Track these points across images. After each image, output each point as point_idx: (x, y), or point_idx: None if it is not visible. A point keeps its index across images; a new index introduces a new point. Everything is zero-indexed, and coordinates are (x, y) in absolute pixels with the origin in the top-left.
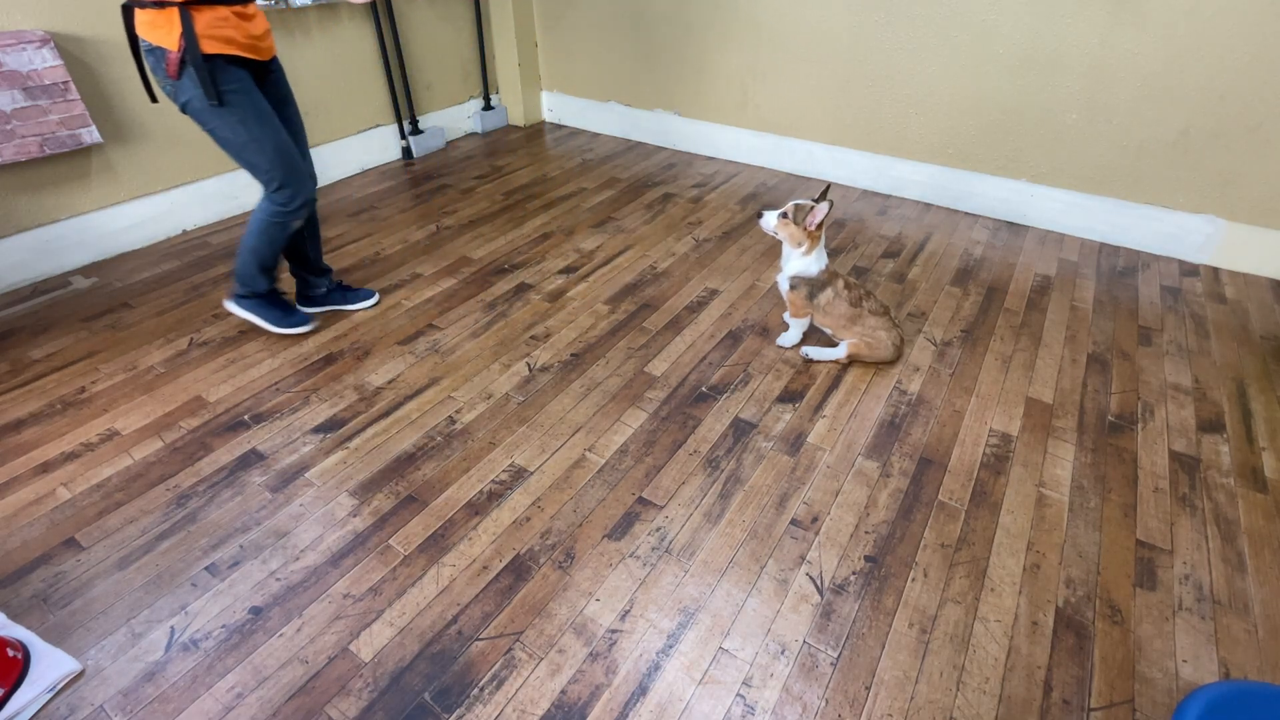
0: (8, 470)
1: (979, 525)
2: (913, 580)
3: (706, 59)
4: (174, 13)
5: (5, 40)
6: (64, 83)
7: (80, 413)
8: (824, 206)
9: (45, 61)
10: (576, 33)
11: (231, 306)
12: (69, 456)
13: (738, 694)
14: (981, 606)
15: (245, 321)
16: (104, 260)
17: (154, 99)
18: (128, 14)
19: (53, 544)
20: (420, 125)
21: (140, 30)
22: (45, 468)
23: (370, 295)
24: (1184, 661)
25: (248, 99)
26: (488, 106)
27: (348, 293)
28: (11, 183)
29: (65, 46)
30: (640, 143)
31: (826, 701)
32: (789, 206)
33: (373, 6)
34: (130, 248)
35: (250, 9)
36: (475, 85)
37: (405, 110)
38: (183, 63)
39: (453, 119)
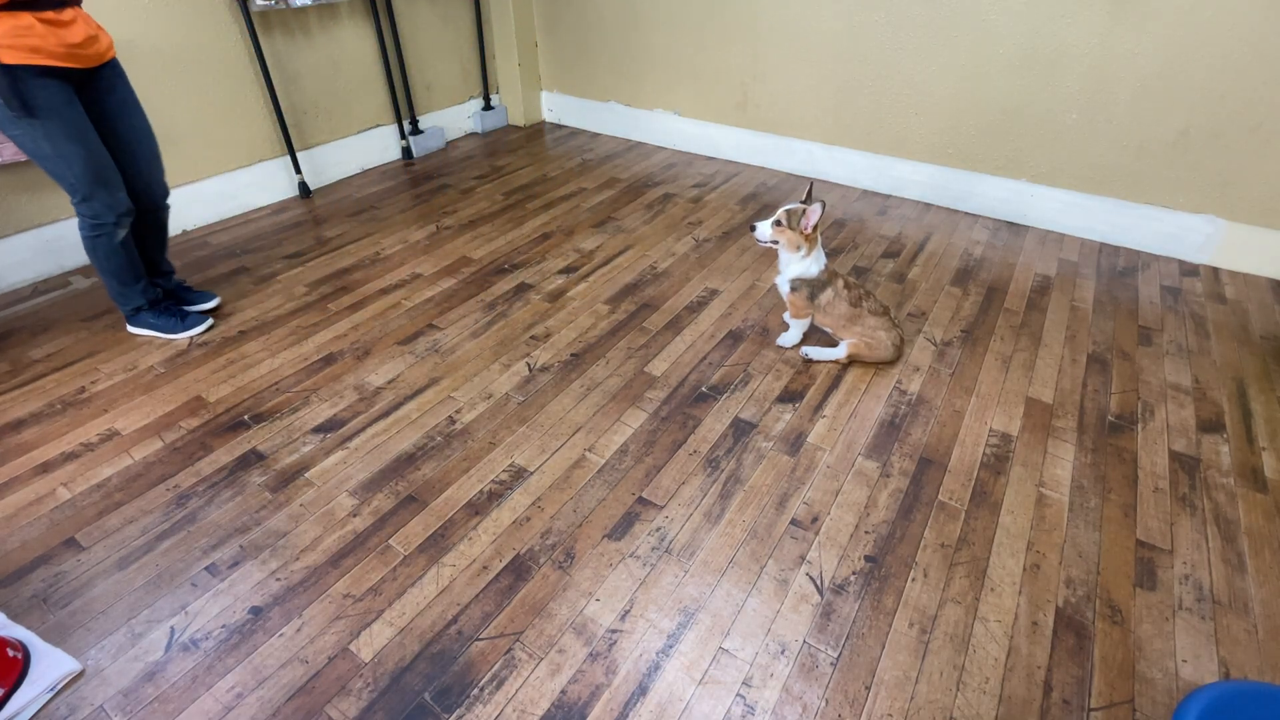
0: (8, 470)
1: (979, 525)
2: (913, 580)
3: (706, 59)
4: None
5: None
6: None
7: (80, 413)
8: (817, 207)
9: None
10: (576, 33)
11: (131, 329)
12: (69, 456)
13: (738, 694)
14: (981, 606)
15: (245, 321)
16: None
17: None
18: None
19: (53, 544)
20: (420, 125)
21: None
22: (45, 468)
23: (210, 297)
24: (1184, 661)
25: (54, 113)
26: (488, 106)
27: (186, 294)
28: (11, 183)
29: None
30: (640, 143)
31: (826, 701)
32: (781, 213)
33: (373, 6)
34: None
35: (66, 14)
36: (475, 85)
37: (405, 110)
38: None
39: (453, 119)
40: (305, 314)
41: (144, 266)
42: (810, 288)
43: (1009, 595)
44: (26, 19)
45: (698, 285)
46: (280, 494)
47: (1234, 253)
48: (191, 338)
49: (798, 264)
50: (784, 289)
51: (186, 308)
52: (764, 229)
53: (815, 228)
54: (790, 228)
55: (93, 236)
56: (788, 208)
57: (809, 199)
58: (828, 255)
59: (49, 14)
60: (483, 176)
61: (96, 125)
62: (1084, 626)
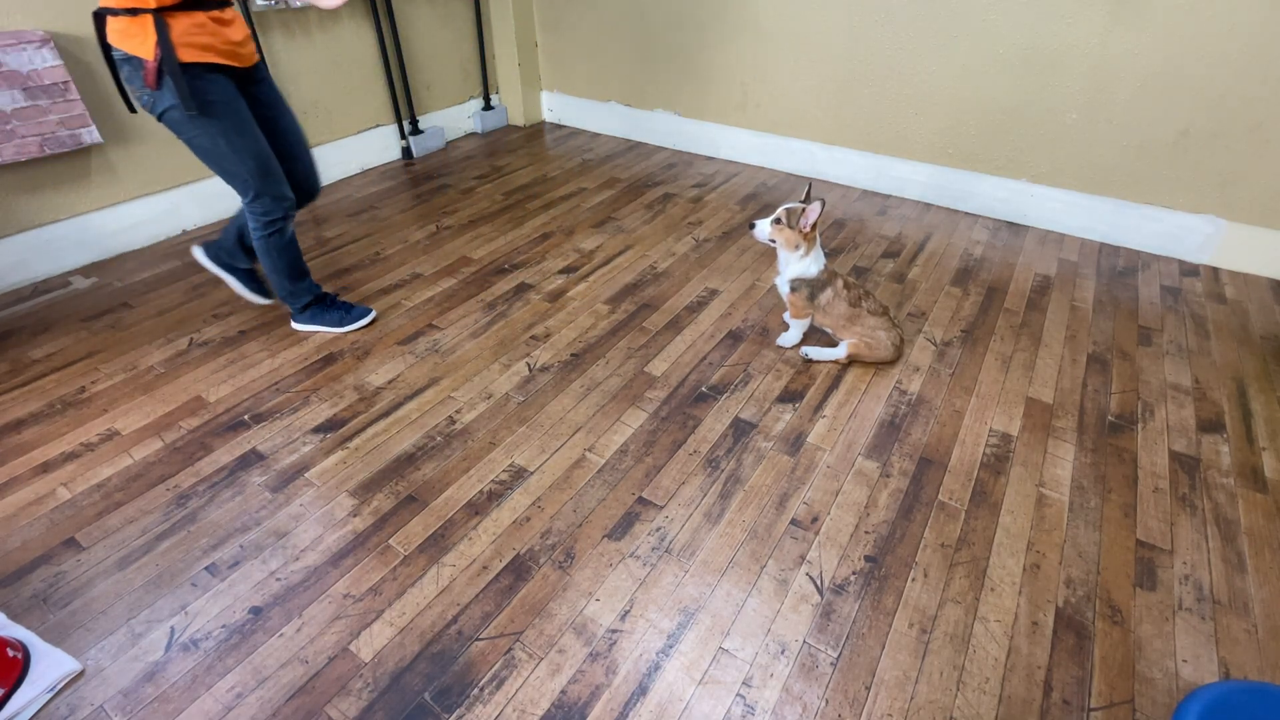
0: (8, 470)
1: (979, 525)
2: (913, 580)
3: (706, 59)
4: (148, 20)
5: (5, 40)
6: (64, 83)
7: (80, 413)
8: (816, 205)
9: (45, 61)
10: (576, 33)
11: (297, 325)
12: (69, 456)
13: (738, 694)
14: (981, 606)
15: (245, 321)
16: (104, 260)
17: (132, 109)
18: (99, 21)
19: (53, 544)
20: (420, 125)
21: (113, 39)
22: (45, 468)
23: (265, 292)
24: (1184, 661)
25: (227, 108)
26: (488, 106)
27: (259, 282)
28: (11, 183)
29: (65, 46)
30: (640, 143)
31: (826, 701)
32: (780, 211)
33: (373, 6)
34: (130, 248)
35: (228, 14)
36: (475, 85)
37: (405, 110)
38: (160, 72)
39: (453, 119)
40: None
41: (236, 243)
42: (810, 288)
43: (1009, 595)
44: (200, 17)
45: (698, 285)
46: (280, 494)
47: (1234, 253)
48: (357, 329)
49: (797, 264)
50: (784, 289)
51: (239, 286)
52: (763, 227)
53: (814, 226)
54: (789, 226)
55: (266, 235)
56: (787, 206)
57: (808, 199)
58: (827, 255)
59: (215, 12)
60: (483, 176)
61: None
62: (1084, 626)
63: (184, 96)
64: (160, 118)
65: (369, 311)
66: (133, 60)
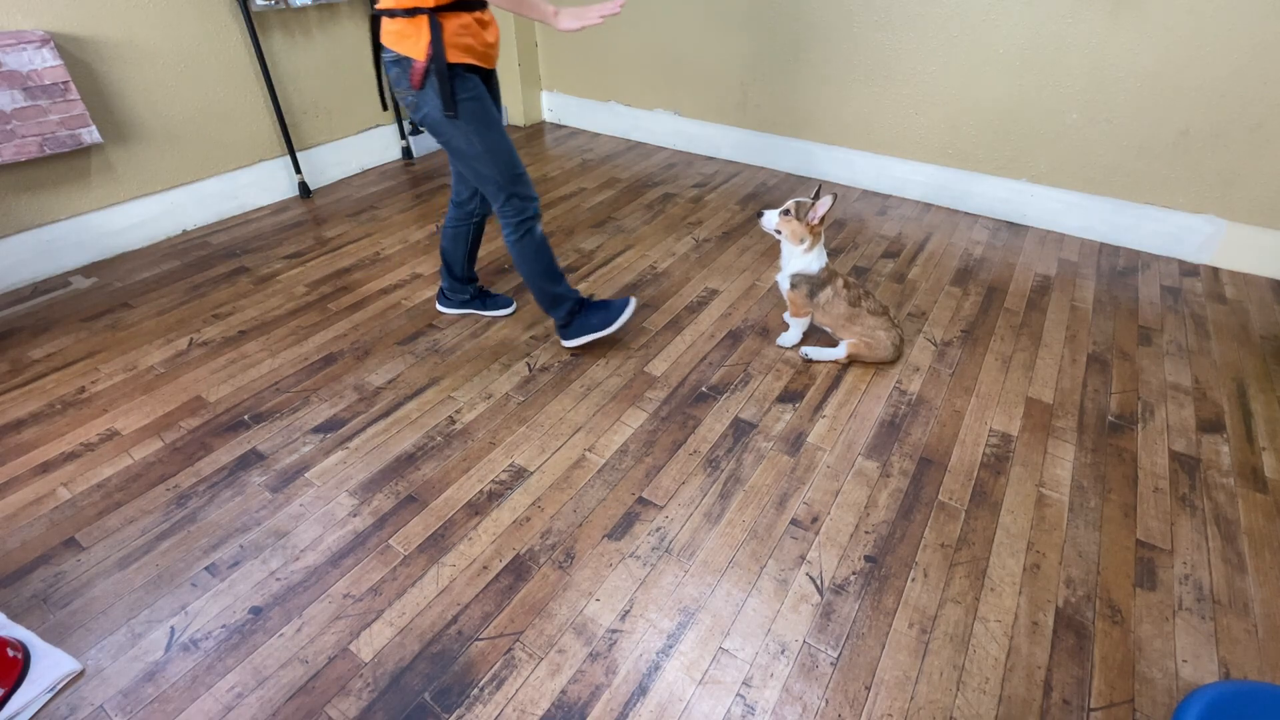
0: (8, 470)
1: (979, 525)
2: (913, 580)
3: (706, 59)
4: (423, 21)
5: (5, 40)
6: (64, 83)
7: (80, 413)
8: (827, 199)
9: (45, 61)
10: (576, 32)
11: (570, 343)
12: (69, 456)
13: (738, 694)
14: (981, 606)
15: (245, 321)
16: (104, 260)
17: (385, 106)
18: (375, 24)
19: (53, 544)
20: (420, 125)
21: (387, 40)
22: (45, 468)
23: (509, 303)
24: (1184, 661)
25: (482, 107)
26: None
27: (488, 299)
28: (11, 183)
29: (65, 46)
30: (640, 143)
31: (826, 701)
32: (790, 203)
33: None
34: (130, 248)
35: (486, 15)
36: None
37: (406, 110)
38: (427, 73)
39: None
40: (305, 314)
41: (464, 266)
42: (810, 285)
43: (1009, 595)
44: (466, 18)
45: (698, 285)
46: (280, 494)
47: (1234, 253)
48: (621, 325)
49: (799, 258)
50: (784, 286)
51: (483, 311)
52: (771, 217)
53: (822, 220)
54: (797, 218)
55: (519, 237)
56: (798, 199)
57: (817, 197)
58: (828, 255)
59: (479, 13)
60: None
61: None
62: (1084, 626)
63: (445, 97)
64: (421, 120)
65: (629, 301)
66: (402, 61)
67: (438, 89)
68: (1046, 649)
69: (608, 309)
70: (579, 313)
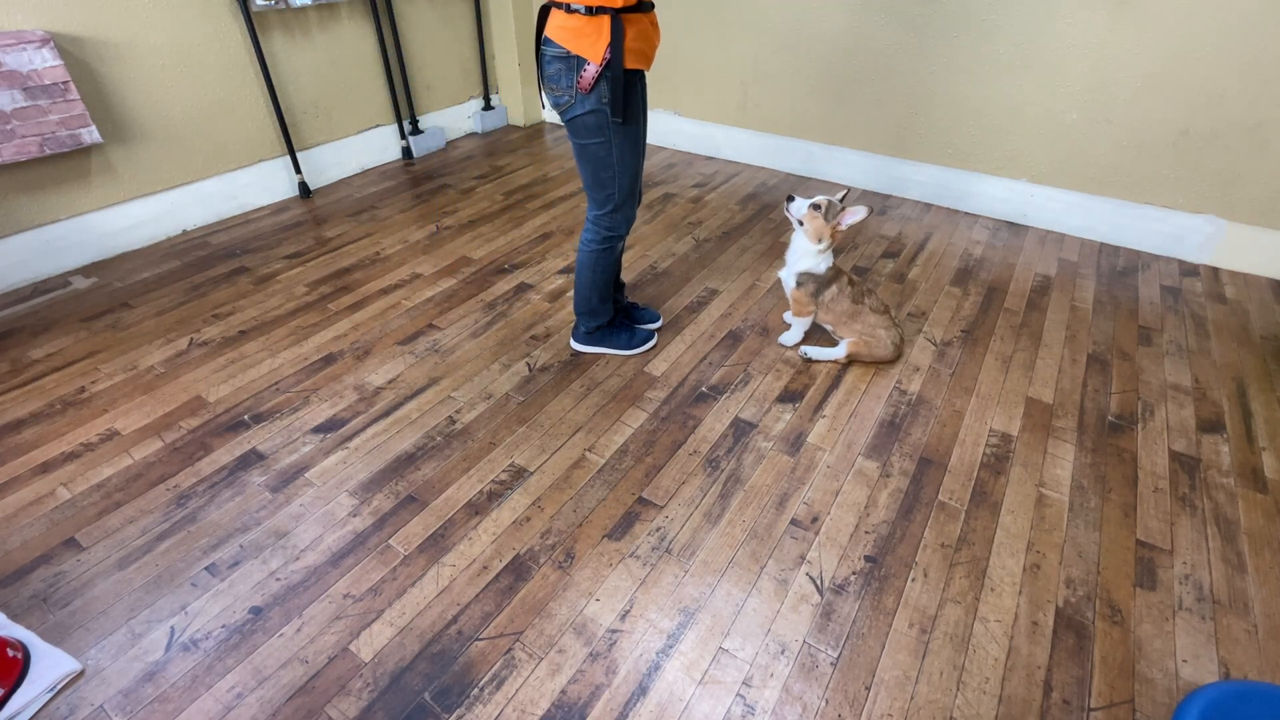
0: (8, 470)
1: (979, 525)
2: (913, 580)
3: (706, 59)
4: (605, 22)
5: (5, 40)
6: (64, 83)
7: (80, 413)
8: (862, 210)
9: (45, 61)
10: None
11: (579, 347)
12: (69, 456)
13: (738, 694)
14: (981, 606)
15: (245, 321)
16: (104, 260)
17: (543, 106)
18: (543, 14)
19: (53, 544)
20: (420, 125)
21: (559, 35)
22: (45, 468)
23: (657, 318)
24: (1184, 661)
25: (637, 120)
26: (488, 106)
27: (635, 311)
28: (11, 183)
29: (65, 46)
30: None
31: (826, 701)
32: (821, 199)
33: (373, 6)
34: (130, 248)
35: (655, 16)
36: (475, 85)
37: (405, 110)
38: (600, 77)
39: (453, 119)
40: (305, 314)
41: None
42: (815, 283)
43: (1009, 595)
44: (644, 21)
45: (698, 285)
46: (280, 494)
47: (1234, 253)
48: (640, 353)
49: (810, 257)
50: (789, 284)
51: (637, 326)
52: (800, 206)
53: (847, 228)
54: (825, 218)
55: (600, 250)
56: (829, 198)
57: (844, 200)
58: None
59: (652, 15)
60: (483, 176)
61: None
62: (1084, 626)
63: (616, 104)
64: (570, 120)
65: (653, 336)
66: (570, 59)
67: (608, 94)
68: (1046, 649)
69: (632, 335)
70: (608, 329)
